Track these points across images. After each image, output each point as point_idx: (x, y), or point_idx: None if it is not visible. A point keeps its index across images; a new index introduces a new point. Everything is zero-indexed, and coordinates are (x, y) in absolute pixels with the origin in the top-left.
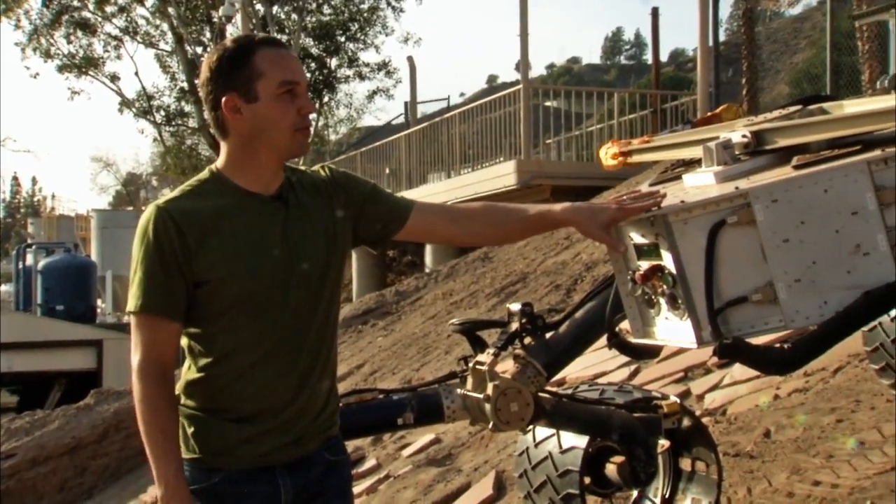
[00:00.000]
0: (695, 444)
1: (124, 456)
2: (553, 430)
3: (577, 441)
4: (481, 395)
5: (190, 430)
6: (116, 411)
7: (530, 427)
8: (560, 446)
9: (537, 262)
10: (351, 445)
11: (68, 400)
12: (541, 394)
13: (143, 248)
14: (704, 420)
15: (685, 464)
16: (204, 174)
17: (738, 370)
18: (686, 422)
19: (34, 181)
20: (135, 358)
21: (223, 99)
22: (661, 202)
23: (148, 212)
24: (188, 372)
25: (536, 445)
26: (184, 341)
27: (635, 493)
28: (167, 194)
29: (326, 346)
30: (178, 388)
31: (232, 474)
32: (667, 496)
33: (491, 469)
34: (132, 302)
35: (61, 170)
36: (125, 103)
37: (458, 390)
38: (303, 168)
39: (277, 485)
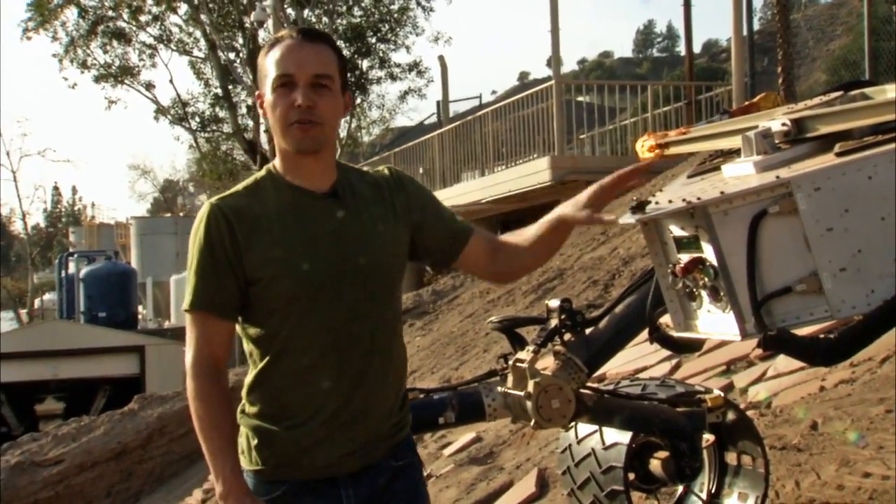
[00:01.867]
0: (740, 437)
1: (169, 460)
2: (595, 427)
3: (620, 437)
4: (522, 393)
5: (253, 442)
6: (160, 416)
7: (572, 424)
8: (603, 443)
9: (574, 258)
10: None
11: (113, 406)
12: (582, 390)
13: (196, 245)
14: (749, 413)
15: (731, 458)
16: (261, 172)
17: (782, 362)
18: (730, 415)
19: (74, 190)
20: (188, 355)
21: (256, 94)
22: (638, 169)
23: (202, 209)
24: (248, 377)
25: (579, 442)
26: (245, 346)
27: (681, 489)
28: (223, 195)
29: (386, 347)
30: (242, 395)
31: (295, 486)
32: (713, 491)
33: (533, 467)
34: (186, 299)
35: (100, 178)
36: (161, 111)
37: (499, 388)
38: (364, 168)
39: (340, 497)
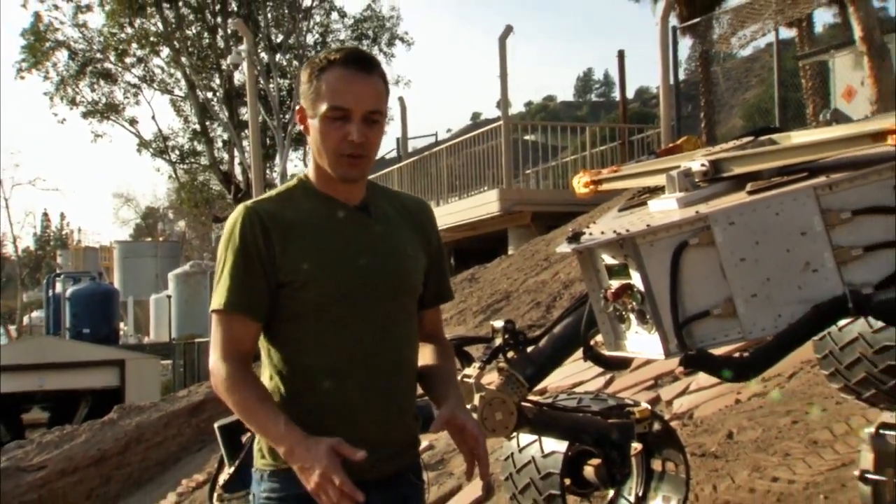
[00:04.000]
0: (665, 446)
1: (145, 465)
2: (535, 437)
3: (557, 446)
4: (469, 406)
5: None
6: (138, 425)
7: (514, 434)
8: (542, 451)
9: (519, 282)
10: None
11: (94, 415)
12: (523, 403)
13: (230, 246)
14: (673, 424)
15: (656, 464)
16: (292, 182)
17: (703, 377)
18: (656, 426)
19: (62, 216)
20: (213, 354)
21: (297, 107)
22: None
23: (236, 212)
24: (265, 379)
25: (520, 451)
26: (265, 349)
27: (611, 493)
28: (258, 199)
29: (410, 362)
30: None
31: None
32: (640, 494)
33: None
34: (215, 299)
35: (86, 205)
36: (143, 144)
37: None
38: (402, 192)
39: (368, 501)
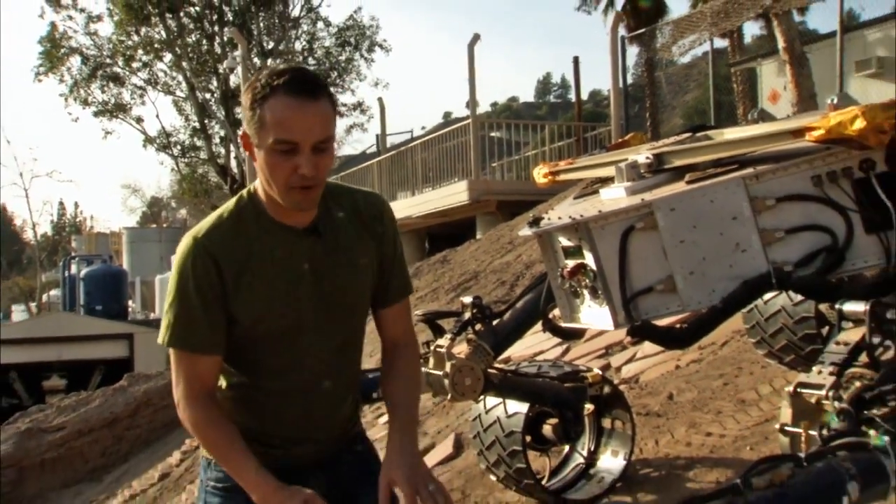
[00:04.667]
0: (613, 406)
1: (153, 427)
2: (500, 399)
3: (519, 407)
4: (441, 373)
5: None
6: (146, 391)
7: (482, 397)
8: (506, 412)
9: (486, 263)
10: None
11: (106, 383)
12: (490, 370)
13: (182, 284)
14: (621, 387)
15: (606, 423)
16: (243, 199)
17: (648, 347)
18: (606, 389)
19: (76, 205)
20: (177, 391)
21: (240, 132)
22: None
23: (186, 246)
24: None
25: (487, 412)
26: None
27: (567, 448)
28: (204, 222)
29: (352, 367)
30: None
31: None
32: (592, 449)
33: (451, 432)
34: (169, 336)
35: (97, 195)
36: (148, 140)
37: (423, 369)
38: (358, 190)
39: (309, 484)
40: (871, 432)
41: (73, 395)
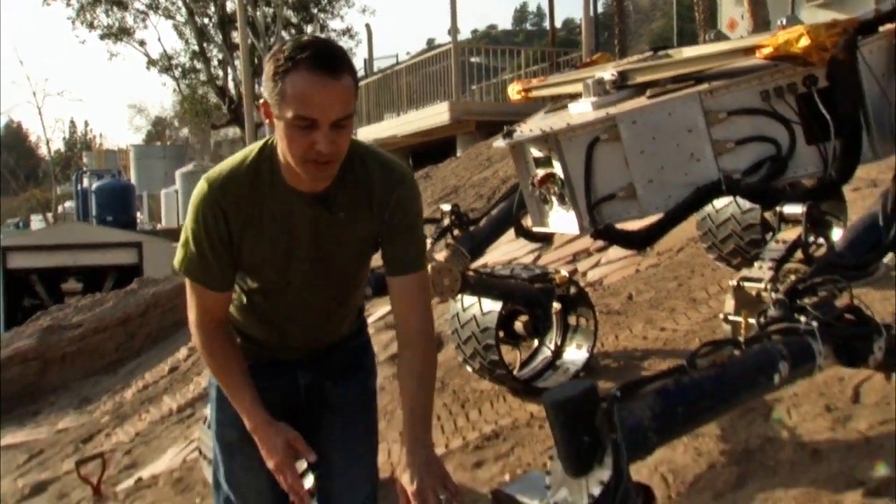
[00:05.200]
0: (578, 305)
1: (161, 326)
2: (476, 298)
3: (493, 306)
4: None
5: None
6: (154, 294)
7: (459, 296)
8: (481, 310)
9: (465, 178)
10: None
11: (118, 286)
12: (466, 272)
13: (195, 228)
14: (587, 289)
15: (572, 320)
16: (263, 155)
17: (612, 253)
18: (572, 290)
19: (86, 124)
20: (190, 315)
21: (261, 101)
22: None
23: (201, 192)
24: None
25: (464, 310)
26: None
27: (536, 342)
28: (221, 169)
29: (349, 302)
30: None
31: (253, 368)
32: (559, 343)
33: None
34: (185, 265)
35: (106, 114)
36: (151, 62)
37: None
38: (383, 161)
39: (296, 377)
40: (802, 319)
41: (88, 296)
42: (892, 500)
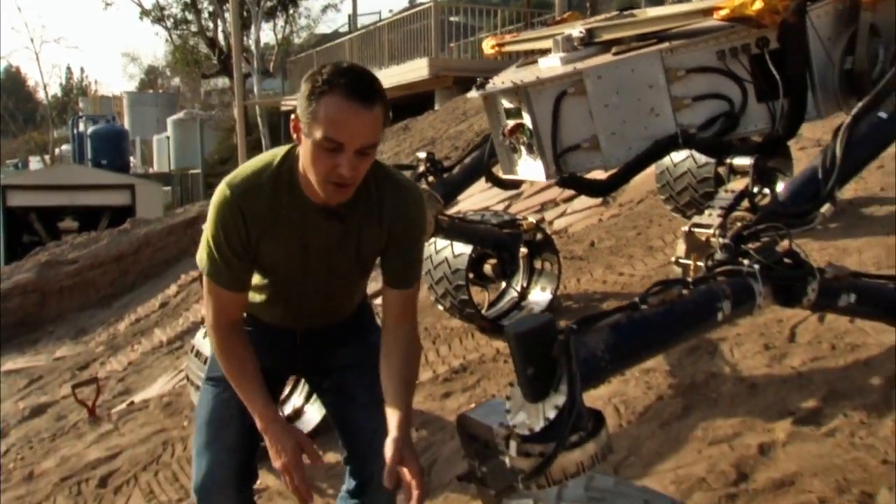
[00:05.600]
0: (544, 250)
1: (153, 263)
2: (448, 242)
3: (464, 249)
4: None
5: None
6: (146, 233)
7: (433, 239)
8: (453, 253)
9: (442, 131)
10: None
11: (112, 225)
12: (440, 216)
13: (215, 231)
14: (552, 236)
15: (537, 264)
16: (284, 166)
17: (577, 203)
18: (539, 236)
19: (82, 70)
20: (207, 314)
21: (293, 116)
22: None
23: (222, 196)
24: None
25: (437, 253)
26: None
27: (503, 284)
28: (242, 175)
29: (353, 294)
30: None
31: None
32: (524, 285)
33: None
34: (206, 265)
35: (100, 62)
36: (144, 12)
37: None
38: (396, 182)
39: (294, 336)
40: (745, 262)
41: (84, 234)
42: (817, 427)
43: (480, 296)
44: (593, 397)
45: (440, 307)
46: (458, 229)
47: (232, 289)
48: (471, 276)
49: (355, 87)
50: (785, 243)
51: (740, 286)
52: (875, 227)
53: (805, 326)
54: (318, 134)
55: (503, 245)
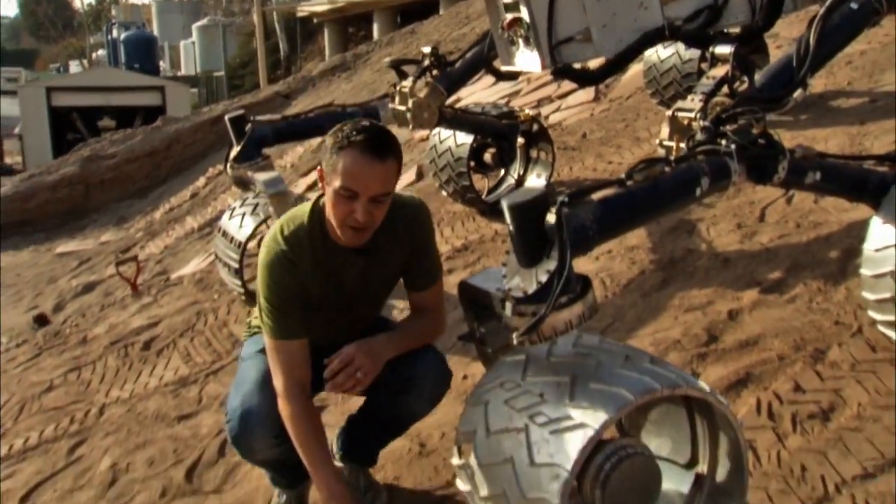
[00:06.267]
0: (540, 140)
1: (184, 158)
2: (451, 132)
3: (466, 139)
4: (404, 108)
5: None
6: (176, 130)
7: (437, 130)
8: (455, 142)
9: (447, 34)
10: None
11: (146, 123)
12: (443, 108)
13: (272, 285)
14: (548, 129)
15: (533, 153)
16: (314, 219)
17: (571, 100)
18: (535, 127)
19: None
20: (279, 382)
21: (319, 167)
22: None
23: (272, 253)
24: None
25: (441, 142)
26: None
27: (502, 172)
28: (280, 233)
29: (368, 320)
30: (252, 319)
31: None
32: (521, 173)
33: (414, 164)
34: (270, 327)
35: None
36: None
37: (389, 105)
38: (401, 203)
39: (321, 350)
40: (723, 142)
41: (120, 131)
42: (780, 295)
43: (481, 182)
44: (579, 271)
45: (444, 193)
46: (460, 119)
47: (299, 336)
48: (472, 164)
49: (370, 144)
50: (760, 126)
51: (718, 164)
52: (840, 117)
53: (774, 207)
54: (337, 183)
55: (502, 135)
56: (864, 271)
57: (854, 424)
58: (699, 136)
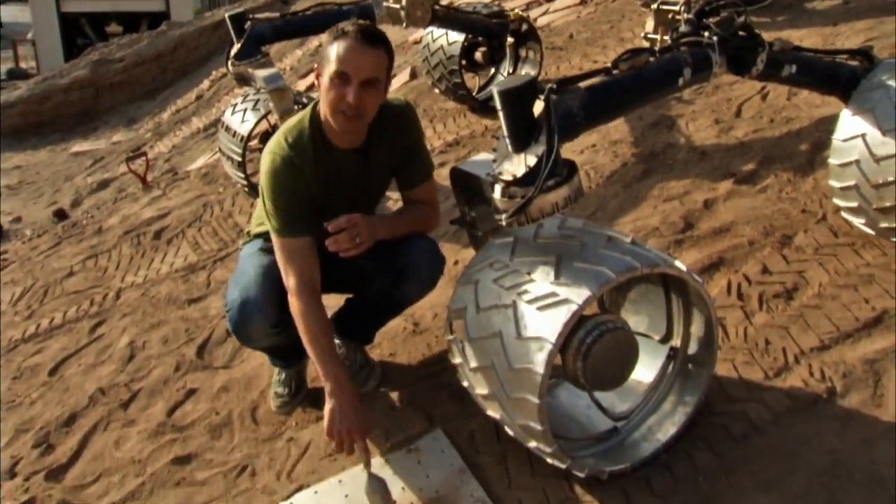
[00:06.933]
0: (528, 40)
1: (188, 61)
2: (444, 31)
3: (458, 37)
4: (398, 6)
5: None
6: (181, 35)
7: (430, 29)
8: (448, 41)
9: None
10: None
11: (151, 28)
12: (436, 6)
13: (278, 188)
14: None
15: (522, 52)
16: (313, 121)
17: (559, 3)
18: (524, 27)
19: None
20: (290, 280)
21: (315, 65)
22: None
23: (275, 159)
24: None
25: (434, 41)
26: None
27: (492, 70)
28: (283, 140)
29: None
30: (252, 224)
31: None
32: (510, 71)
33: (408, 66)
34: (277, 227)
35: None
36: None
37: (384, 3)
38: (388, 105)
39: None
40: (706, 34)
41: (127, 36)
42: (753, 186)
43: (472, 80)
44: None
45: (436, 90)
46: (452, 18)
47: (308, 233)
48: (463, 62)
49: (363, 33)
50: (741, 19)
51: (700, 55)
52: (815, 19)
53: (750, 104)
54: (332, 68)
55: (492, 34)
56: (832, 160)
57: (815, 302)
58: (682, 29)
